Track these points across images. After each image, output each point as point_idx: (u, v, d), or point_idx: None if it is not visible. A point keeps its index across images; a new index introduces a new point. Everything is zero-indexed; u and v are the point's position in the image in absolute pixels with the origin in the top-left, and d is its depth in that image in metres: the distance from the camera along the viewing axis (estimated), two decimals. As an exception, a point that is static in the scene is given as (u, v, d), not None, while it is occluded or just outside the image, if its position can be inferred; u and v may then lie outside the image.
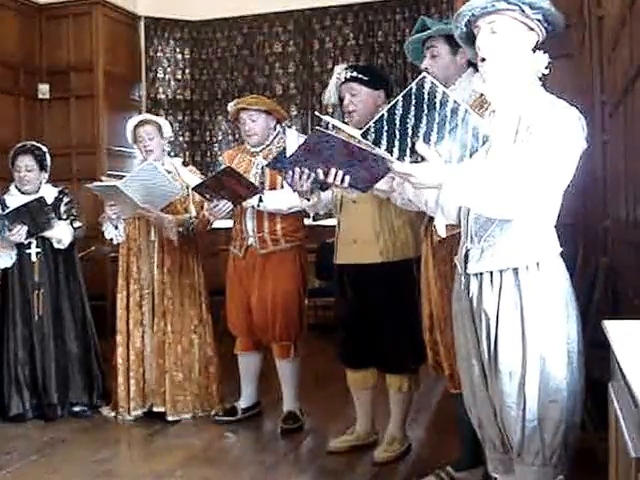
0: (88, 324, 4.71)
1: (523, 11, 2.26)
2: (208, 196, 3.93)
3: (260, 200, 3.99)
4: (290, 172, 3.36)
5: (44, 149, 4.71)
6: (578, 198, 4.75)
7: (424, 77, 2.11)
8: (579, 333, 2.31)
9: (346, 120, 3.57)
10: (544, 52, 2.32)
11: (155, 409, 4.42)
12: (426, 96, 2.10)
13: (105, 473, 3.62)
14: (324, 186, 3.19)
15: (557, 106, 2.24)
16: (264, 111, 4.17)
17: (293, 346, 4.23)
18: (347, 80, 3.52)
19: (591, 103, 4.60)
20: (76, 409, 4.58)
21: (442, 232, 2.37)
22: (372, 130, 2.13)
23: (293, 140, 3.15)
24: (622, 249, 3.86)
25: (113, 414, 4.51)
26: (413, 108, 2.10)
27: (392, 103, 2.12)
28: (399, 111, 2.10)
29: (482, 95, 2.48)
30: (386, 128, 2.12)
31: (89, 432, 4.30)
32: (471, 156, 2.17)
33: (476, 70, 3.00)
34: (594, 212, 4.65)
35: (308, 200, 3.49)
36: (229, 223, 4.38)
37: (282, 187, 3.97)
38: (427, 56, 3.09)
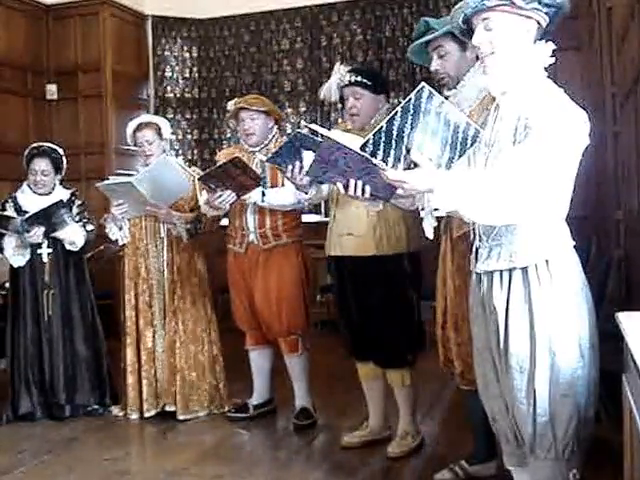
0: (97, 327, 4.71)
1: (514, 3, 2.21)
2: (213, 186, 3.88)
3: (263, 195, 3.98)
4: (289, 166, 3.39)
5: (61, 152, 4.68)
6: (590, 190, 4.74)
7: (423, 87, 2.16)
8: (592, 327, 2.29)
9: (348, 122, 3.62)
10: (550, 41, 2.28)
11: (168, 408, 4.41)
12: (423, 106, 2.16)
13: (118, 472, 3.62)
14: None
15: (555, 102, 2.19)
16: (264, 111, 4.18)
17: (301, 340, 4.23)
18: (351, 84, 3.53)
19: (602, 95, 4.57)
20: (87, 409, 4.58)
21: (429, 234, 2.47)
22: (370, 142, 2.18)
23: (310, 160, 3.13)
24: (635, 240, 3.84)
25: (122, 414, 4.51)
26: (410, 118, 2.16)
27: (390, 115, 2.16)
28: (397, 122, 2.15)
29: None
30: (383, 139, 2.16)
31: (101, 431, 4.31)
32: (459, 157, 2.21)
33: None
34: (606, 203, 4.63)
35: (306, 193, 3.52)
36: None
37: (282, 184, 4.00)
38: (434, 57, 3.05)
